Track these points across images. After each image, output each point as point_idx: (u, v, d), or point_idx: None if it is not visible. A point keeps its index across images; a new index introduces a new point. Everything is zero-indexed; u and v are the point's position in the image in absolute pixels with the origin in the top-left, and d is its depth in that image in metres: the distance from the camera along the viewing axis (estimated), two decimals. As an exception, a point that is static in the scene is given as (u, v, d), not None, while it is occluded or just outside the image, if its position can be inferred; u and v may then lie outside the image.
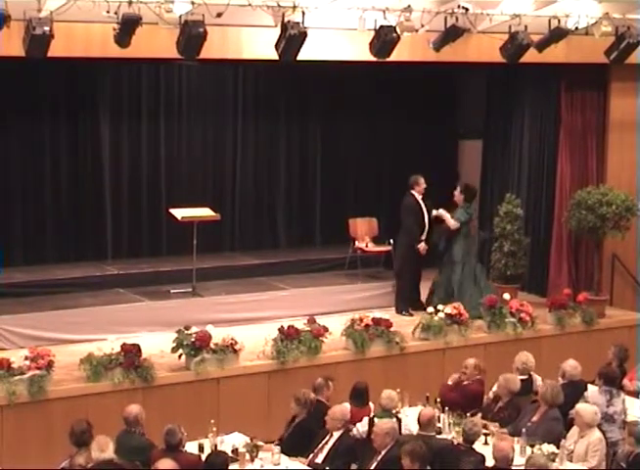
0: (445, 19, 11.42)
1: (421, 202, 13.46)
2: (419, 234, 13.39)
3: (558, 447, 9.03)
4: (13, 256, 13.58)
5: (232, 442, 9.15)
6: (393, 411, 9.57)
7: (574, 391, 10.17)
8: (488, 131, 16.07)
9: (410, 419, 9.51)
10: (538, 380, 10.56)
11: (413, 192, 13.46)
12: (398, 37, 11.18)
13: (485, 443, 9.11)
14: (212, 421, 9.26)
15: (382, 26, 11.15)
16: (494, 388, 10.26)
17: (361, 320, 11.98)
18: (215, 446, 9.04)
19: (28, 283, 12.98)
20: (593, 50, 12.85)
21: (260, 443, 9.13)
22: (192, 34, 10.22)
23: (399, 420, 9.35)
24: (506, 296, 12.94)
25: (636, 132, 14.34)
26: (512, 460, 8.38)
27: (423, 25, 11.35)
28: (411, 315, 13.26)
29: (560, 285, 14.24)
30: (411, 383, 11.17)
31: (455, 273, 13.51)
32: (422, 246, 13.30)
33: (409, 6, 10.98)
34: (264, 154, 15.67)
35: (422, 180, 13.45)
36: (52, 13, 9.81)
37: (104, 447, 8.09)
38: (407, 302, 13.55)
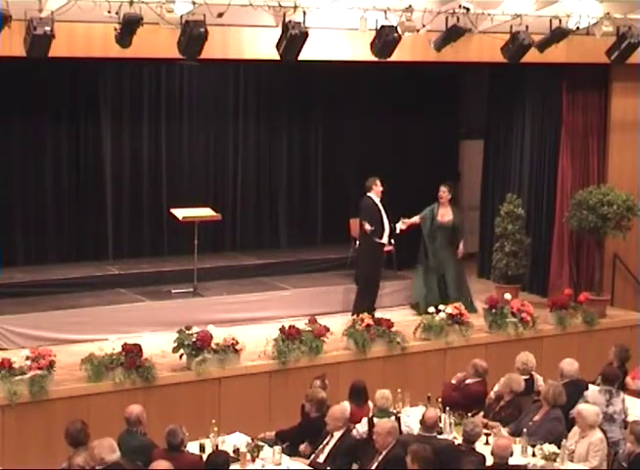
0: (446, 19, 11.41)
1: (379, 204, 13.27)
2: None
3: (559, 447, 9.04)
4: (13, 255, 13.59)
5: (233, 442, 9.16)
6: (394, 411, 9.58)
7: (575, 391, 10.16)
8: (489, 131, 16.06)
9: (411, 419, 9.51)
10: (539, 380, 10.57)
11: (370, 194, 13.27)
12: (399, 37, 11.17)
13: (487, 443, 9.11)
14: (214, 421, 9.27)
15: (383, 26, 11.15)
16: (496, 387, 10.27)
17: (362, 320, 11.98)
18: (217, 446, 9.04)
19: (29, 283, 12.96)
20: (594, 50, 12.84)
21: (261, 443, 9.14)
22: (193, 34, 10.21)
23: (399, 419, 9.35)
24: (507, 296, 12.93)
25: (637, 132, 14.34)
26: (510, 456, 8.37)
27: (424, 25, 11.37)
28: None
29: (561, 285, 14.24)
30: (412, 383, 11.18)
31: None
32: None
33: (410, 6, 10.98)
34: (265, 154, 15.64)
35: (379, 182, 13.26)
36: (53, 13, 9.81)
37: (114, 448, 8.06)
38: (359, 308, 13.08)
